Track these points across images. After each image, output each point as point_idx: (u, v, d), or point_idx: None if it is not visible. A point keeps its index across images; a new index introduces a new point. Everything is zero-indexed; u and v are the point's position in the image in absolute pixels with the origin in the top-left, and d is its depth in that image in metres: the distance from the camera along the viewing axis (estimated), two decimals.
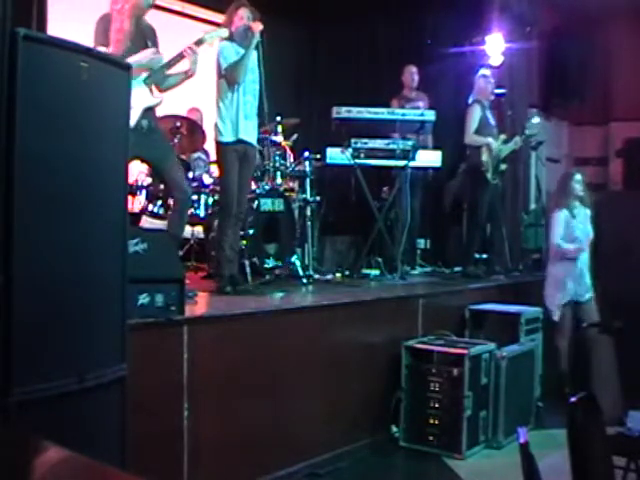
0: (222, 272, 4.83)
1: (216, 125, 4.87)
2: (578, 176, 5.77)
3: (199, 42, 4.34)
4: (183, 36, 4.65)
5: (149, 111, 4.23)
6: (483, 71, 6.92)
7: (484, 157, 6.60)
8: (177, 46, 4.35)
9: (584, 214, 5.72)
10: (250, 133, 4.92)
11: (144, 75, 4.16)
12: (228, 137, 4.82)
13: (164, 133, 4.58)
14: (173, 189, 4.45)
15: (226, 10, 5.02)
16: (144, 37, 4.24)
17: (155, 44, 4.31)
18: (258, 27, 4.79)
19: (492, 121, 6.81)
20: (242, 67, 4.76)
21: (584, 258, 5.70)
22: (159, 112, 4.70)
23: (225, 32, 4.69)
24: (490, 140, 6.61)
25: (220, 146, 4.87)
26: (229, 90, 4.82)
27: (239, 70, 4.76)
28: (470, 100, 6.77)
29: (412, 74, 7.35)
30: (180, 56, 4.27)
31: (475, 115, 6.67)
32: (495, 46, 7.48)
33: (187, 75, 4.36)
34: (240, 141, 4.83)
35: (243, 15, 4.86)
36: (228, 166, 4.84)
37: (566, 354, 5.64)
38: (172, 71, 4.33)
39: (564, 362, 5.62)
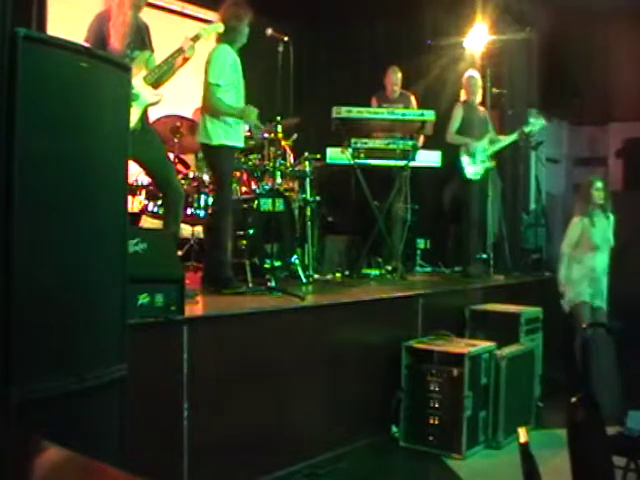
0: (228, 274, 4.81)
1: (206, 128, 4.75)
2: (599, 184, 5.69)
3: (196, 37, 4.31)
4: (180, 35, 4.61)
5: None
6: (470, 71, 6.97)
7: (462, 156, 6.67)
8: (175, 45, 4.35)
9: (605, 221, 5.68)
10: (240, 137, 4.89)
11: (143, 73, 4.16)
12: (223, 140, 4.74)
13: (156, 132, 4.54)
14: (166, 189, 4.39)
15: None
16: (141, 33, 4.22)
17: (150, 41, 4.28)
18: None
19: (480, 121, 6.84)
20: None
21: (602, 263, 5.66)
22: (159, 111, 4.68)
23: (221, 27, 4.64)
24: (469, 140, 6.67)
25: (213, 149, 4.77)
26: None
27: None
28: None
29: (394, 75, 7.11)
30: (179, 52, 4.26)
31: (457, 115, 6.81)
32: (487, 42, 7.48)
33: (183, 63, 4.31)
34: (232, 145, 4.81)
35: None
36: (225, 167, 4.83)
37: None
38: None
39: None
